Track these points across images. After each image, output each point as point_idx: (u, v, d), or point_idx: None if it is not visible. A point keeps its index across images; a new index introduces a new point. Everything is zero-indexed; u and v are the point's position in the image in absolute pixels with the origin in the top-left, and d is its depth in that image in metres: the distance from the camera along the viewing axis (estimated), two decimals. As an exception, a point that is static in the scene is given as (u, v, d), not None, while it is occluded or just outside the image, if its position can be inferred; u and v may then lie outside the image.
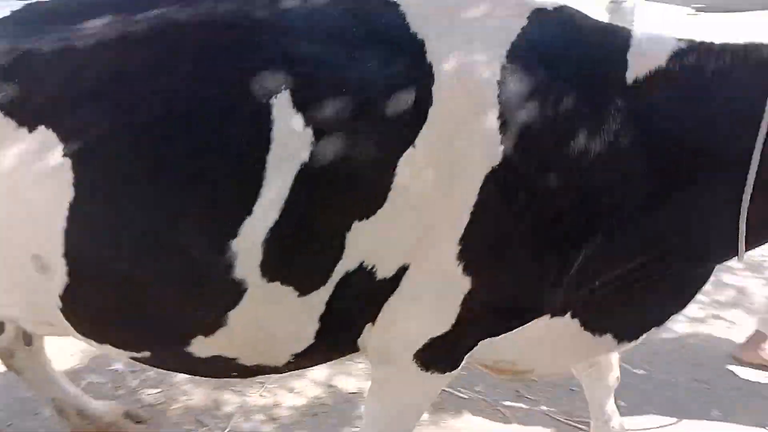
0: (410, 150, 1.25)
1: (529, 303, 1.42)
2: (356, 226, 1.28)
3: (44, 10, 1.40)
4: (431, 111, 1.25)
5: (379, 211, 1.27)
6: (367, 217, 1.28)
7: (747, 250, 1.38)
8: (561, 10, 1.34)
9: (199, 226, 1.29)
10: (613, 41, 1.32)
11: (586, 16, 1.35)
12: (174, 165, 1.27)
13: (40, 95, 1.28)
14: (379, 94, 1.26)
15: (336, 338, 1.48)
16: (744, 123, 1.28)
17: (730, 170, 1.30)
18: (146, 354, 1.50)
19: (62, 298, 1.36)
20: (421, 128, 1.25)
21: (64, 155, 1.26)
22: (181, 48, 1.31)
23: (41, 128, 1.26)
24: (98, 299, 1.38)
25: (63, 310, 1.39)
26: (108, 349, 1.52)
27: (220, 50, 1.30)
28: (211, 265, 1.29)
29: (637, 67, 1.29)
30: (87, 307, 1.41)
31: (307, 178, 1.25)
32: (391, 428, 1.68)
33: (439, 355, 1.46)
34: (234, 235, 1.26)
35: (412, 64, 1.27)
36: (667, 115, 1.30)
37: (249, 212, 1.26)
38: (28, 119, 1.27)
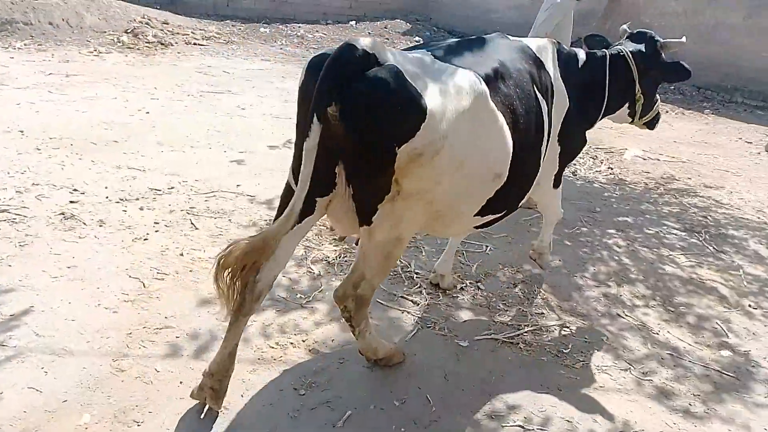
0: (549, 107, 3.14)
1: (578, 149, 3.70)
2: (550, 139, 3.21)
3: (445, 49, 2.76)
4: (554, 89, 3.20)
5: (552, 133, 3.24)
6: (551, 135, 3.21)
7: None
8: (559, 45, 3.46)
9: (540, 143, 3.03)
10: (576, 53, 3.60)
11: (562, 47, 3.48)
12: (533, 124, 2.91)
13: (501, 95, 2.69)
14: (547, 86, 3.13)
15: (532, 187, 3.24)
16: (602, 75, 3.62)
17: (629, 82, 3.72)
18: (501, 215, 3.02)
19: (498, 191, 2.75)
20: (553, 96, 3.20)
21: (507, 123, 2.67)
22: (520, 76, 2.92)
23: (499, 112, 2.62)
24: (510, 188, 2.81)
25: (490, 199, 2.76)
26: (469, 223, 2.92)
27: (529, 76, 2.98)
28: (539, 156, 3.07)
29: (581, 59, 3.58)
30: (505, 193, 2.80)
31: (548, 122, 3.08)
32: (557, 206, 3.93)
33: (557, 179, 3.65)
34: (543, 144, 3.06)
35: (547, 73, 3.18)
36: (590, 73, 3.57)
37: (547, 136, 3.11)
38: (498, 106, 2.63)
